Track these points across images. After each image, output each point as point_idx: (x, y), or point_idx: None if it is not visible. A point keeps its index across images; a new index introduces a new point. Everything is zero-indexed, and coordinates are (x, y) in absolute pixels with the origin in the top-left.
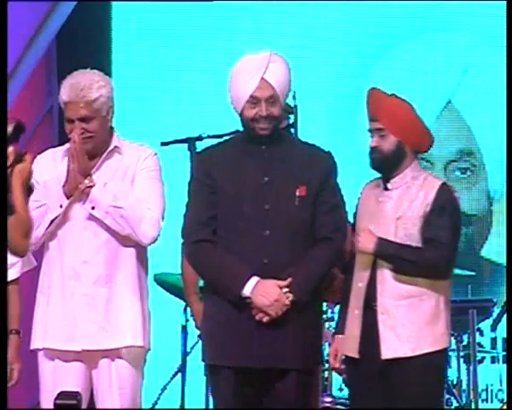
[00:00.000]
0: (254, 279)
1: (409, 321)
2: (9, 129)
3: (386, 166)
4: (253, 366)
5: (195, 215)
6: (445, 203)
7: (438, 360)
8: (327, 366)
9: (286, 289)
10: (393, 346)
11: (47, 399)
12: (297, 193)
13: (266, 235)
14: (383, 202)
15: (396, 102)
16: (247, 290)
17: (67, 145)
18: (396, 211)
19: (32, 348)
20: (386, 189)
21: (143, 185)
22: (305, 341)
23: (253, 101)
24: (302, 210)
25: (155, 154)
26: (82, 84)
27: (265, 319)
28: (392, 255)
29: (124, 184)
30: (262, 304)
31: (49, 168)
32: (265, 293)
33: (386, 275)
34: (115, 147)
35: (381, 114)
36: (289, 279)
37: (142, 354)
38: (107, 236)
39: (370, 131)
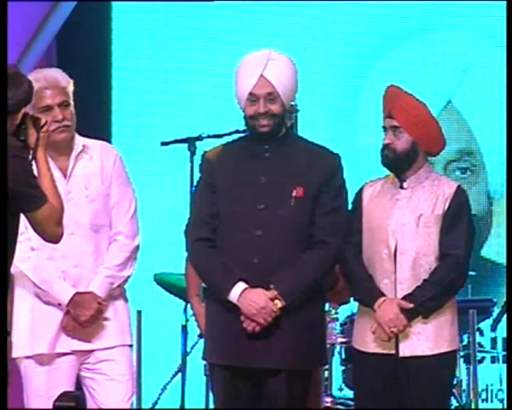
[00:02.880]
0: (241, 286)
1: (427, 321)
2: (24, 87)
3: (398, 164)
4: (243, 366)
5: (197, 214)
6: (463, 203)
7: (451, 360)
8: (327, 365)
9: (274, 296)
10: (412, 344)
11: (38, 403)
12: (293, 194)
13: (258, 235)
14: (400, 200)
15: (413, 101)
16: (233, 296)
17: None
18: (416, 210)
19: (17, 355)
20: (401, 187)
21: (118, 194)
22: (298, 342)
23: (252, 98)
24: (298, 211)
25: (118, 153)
26: (52, 73)
27: (257, 328)
28: (429, 300)
29: (103, 188)
30: (249, 312)
31: None
32: (252, 301)
33: (405, 274)
34: (83, 146)
35: (398, 112)
36: (275, 292)
37: (131, 351)
38: (94, 239)
39: (384, 128)
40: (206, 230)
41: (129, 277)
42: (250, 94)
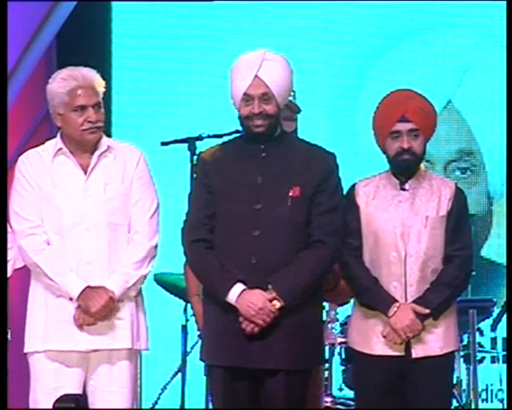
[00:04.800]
0: (239, 287)
1: (438, 321)
2: None
3: (415, 167)
4: (242, 366)
5: (193, 215)
6: (464, 203)
7: (453, 359)
8: (327, 365)
9: (272, 297)
10: (425, 345)
11: (46, 401)
12: (290, 193)
13: (256, 235)
14: (402, 201)
15: (426, 102)
16: (231, 298)
17: (52, 142)
18: (421, 211)
19: (28, 350)
20: (402, 189)
21: (139, 194)
22: (296, 342)
23: (247, 99)
24: (295, 211)
25: (143, 154)
26: (89, 73)
27: (256, 329)
28: (442, 303)
29: (123, 187)
30: (248, 314)
31: (38, 169)
32: (250, 302)
33: (416, 277)
34: (108, 146)
35: (414, 114)
36: (274, 293)
37: (139, 355)
38: (109, 237)
39: (396, 132)
40: (203, 231)
41: (145, 276)
42: (245, 94)
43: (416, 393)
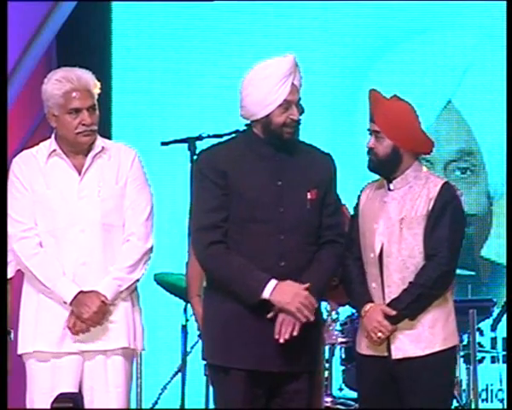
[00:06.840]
0: (273, 282)
1: (418, 322)
2: None
3: (382, 168)
4: (269, 370)
5: (205, 217)
6: (447, 201)
7: (448, 358)
8: (327, 365)
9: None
10: (403, 346)
11: (42, 401)
12: (308, 196)
13: (282, 239)
14: (387, 202)
15: (393, 106)
16: (266, 293)
17: (46, 143)
18: (399, 212)
19: (21, 351)
20: (389, 189)
21: (134, 195)
22: (312, 342)
23: (286, 105)
24: (313, 213)
25: (137, 154)
26: (84, 74)
27: (296, 330)
28: (412, 303)
29: (117, 188)
30: (283, 301)
31: (32, 171)
32: (283, 291)
33: (393, 277)
34: (103, 147)
35: (378, 117)
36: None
37: (135, 355)
38: (104, 238)
39: (369, 130)
40: (218, 233)
41: (138, 280)
42: (285, 101)
43: (404, 394)
